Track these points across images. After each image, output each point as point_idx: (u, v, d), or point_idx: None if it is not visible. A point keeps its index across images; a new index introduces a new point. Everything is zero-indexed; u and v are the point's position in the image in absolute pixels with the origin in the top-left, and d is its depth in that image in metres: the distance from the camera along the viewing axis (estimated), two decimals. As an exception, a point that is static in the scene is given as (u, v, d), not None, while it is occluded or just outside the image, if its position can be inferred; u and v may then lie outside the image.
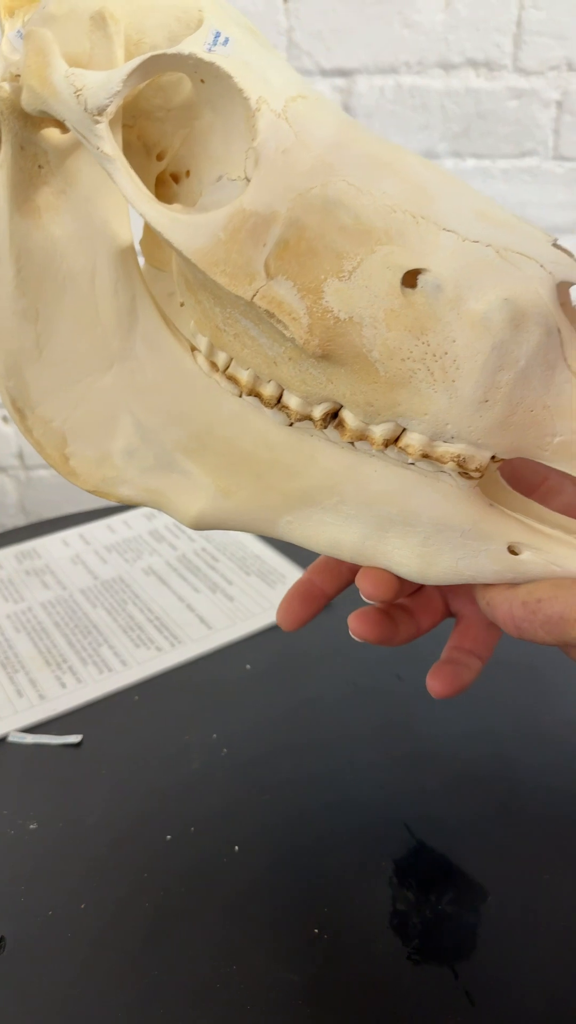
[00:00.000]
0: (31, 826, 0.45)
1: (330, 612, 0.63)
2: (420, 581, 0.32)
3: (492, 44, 0.89)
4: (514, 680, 0.54)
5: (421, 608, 0.40)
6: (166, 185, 0.34)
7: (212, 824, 0.45)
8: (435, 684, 0.38)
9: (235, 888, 0.42)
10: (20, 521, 0.99)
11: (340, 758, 0.50)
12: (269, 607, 0.65)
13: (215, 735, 0.51)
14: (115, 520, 0.80)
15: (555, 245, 0.29)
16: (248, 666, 0.58)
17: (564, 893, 0.41)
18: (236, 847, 0.44)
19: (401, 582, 0.34)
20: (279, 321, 0.28)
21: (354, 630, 0.37)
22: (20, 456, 0.96)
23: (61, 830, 0.45)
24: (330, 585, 0.40)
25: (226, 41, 0.29)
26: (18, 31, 0.32)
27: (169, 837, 0.44)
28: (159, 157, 0.33)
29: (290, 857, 0.43)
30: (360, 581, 0.34)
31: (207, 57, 0.28)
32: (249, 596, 0.66)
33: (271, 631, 0.62)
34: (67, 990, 0.37)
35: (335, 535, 0.32)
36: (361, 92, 0.88)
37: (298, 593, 0.40)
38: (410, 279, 0.28)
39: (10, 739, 0.52)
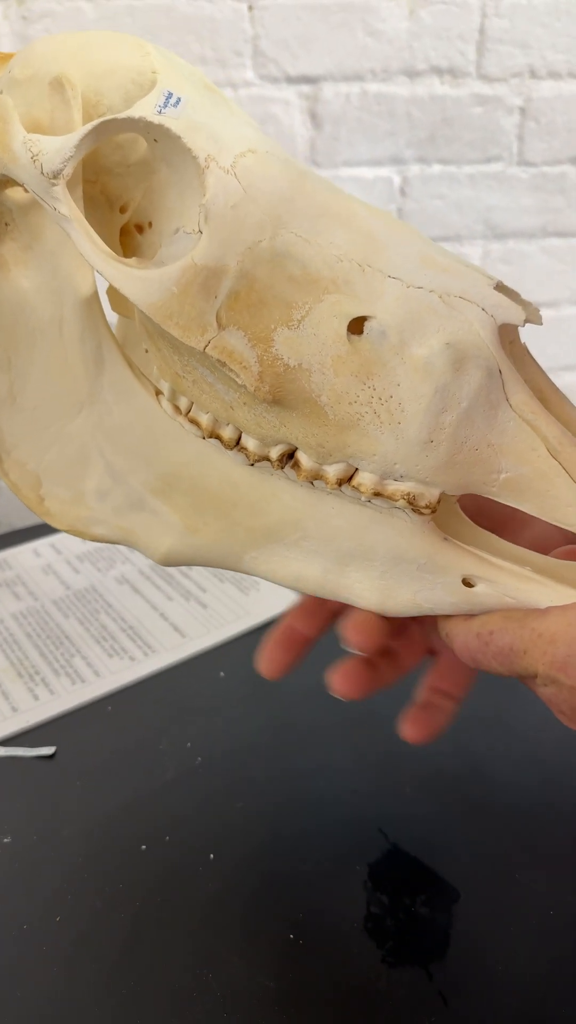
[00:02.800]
0: (4, 839, 0.46)
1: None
2: (381, 612, 0.33)
3: (456, 52, 0.90)
4: (484, 682, 0.55)
5: (404, 648, 0.40)
6: (130, 235, 0.35)
7: (187, 833, 0.46)
8: (410, 730, 0.38)
9: (210, 896, 0.42)
10: None
11: (313, 764, 0.51)
12: (243, 614, 0.65)
13: (189, 744, 0.52)
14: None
15: (497, 288, 0.30)
16: (222, 674, 0.59)
17: (536, 892, 0.42)
18: (211, 855, 0.45)
19: (387, 627, 0.35)
20: (231, 370, 0.29)
21: (337, 690, 0.37)
22: None
23: (35, 843, 0.46)
24: (311, 629, 0.40)
25: (177, 101, 0.30)
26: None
27: (144, 847, 0.45)
28: (122, 210, 0.35)
29: (265, 863, 0.44)
30: (345, 631, 0.34)
31: (156, 120, 0.29)
32: (223, 603, 0.67)
33: (245, 638, 0.62)
34: (42, 1004, 0.38)
35: (298, 570, 0.34)
36: (327, 99, 0.89)
37: (279, 640, 0.39)
38: (356, 326, 0.29)
39: None
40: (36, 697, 0.57)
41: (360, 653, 0.36)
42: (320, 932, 0.41)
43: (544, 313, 1.06)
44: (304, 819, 0.47)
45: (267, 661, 0.39)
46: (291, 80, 0.88)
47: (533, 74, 0.93)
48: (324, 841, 0.45)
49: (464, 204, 0.98)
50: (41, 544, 0.78)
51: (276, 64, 0.87)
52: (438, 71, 0.91)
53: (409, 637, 0.40)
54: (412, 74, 0.90)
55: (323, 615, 0.40)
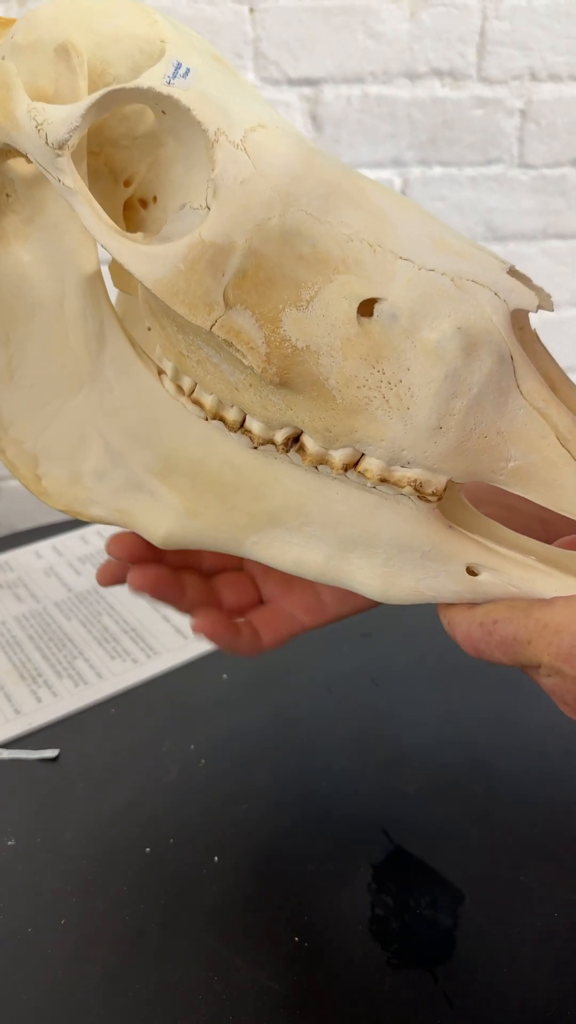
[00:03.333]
0: (8, 842, 0.46)
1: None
2: (383, 600, 0.32)
3: (457, 54, 0.90)
4: (488, 684, 0.55)
5: (225, 585, 0.41)
6: (134, 210, 0.34)
7: (191, 836, 0.46)
8: (199, 621, 0.39)
9: (214, 899, 0.42)
10: None
11: (318, 766, 0.50)
12: None
13: (192, 746, 0.52)
14: (88, 531, 0.80)
15: (510, 272, 0.30)
16: (224, 676, 0.59)
17: (540, 894, 0.42)
18: (216, 858, 0.44)
19: (176, 583, 0.38)
20: (237, 350, 0.29)
21: (194, 624, 0.39)
22: None
23: (39, 846, 0.46)
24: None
25: (186, 72, 0.29)
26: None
27: (148, 850, 0.45)
28: (126, 183, 0.34)
29: (269, 866, 0.44)
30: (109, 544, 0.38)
31: (165, 90, 0.28)
32: None
33: None
34: (47, 1006, 0.38)
35: (300, 555, 0.33)
36: (328, 101, 0.89)
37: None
38: (366, 308, 0.28)
39: None
40: (39, 699, 0.57)
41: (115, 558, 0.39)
42: (324, 934, 0.40)
43: (544, 315, 1.07)
44: (308, 821, 0.47)
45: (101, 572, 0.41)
46: (292, 82, 0.87)
47: (533, 76, 0.93)
48: (328, 842, 0.45)
49: (465, 206, 0.98)
50: (43, 546, 0.78)
51: (277, 66, 0.86)
52: (439, 73, 0.91)
53: (273, 614, 0.41)
54: (413, 76, 0.90)
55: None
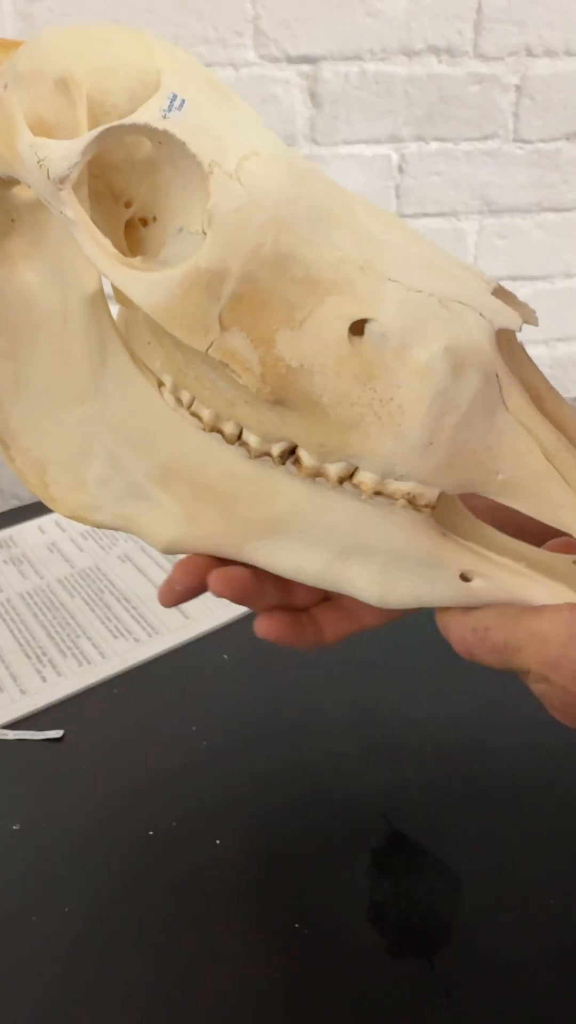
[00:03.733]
0: (14, 827, 0.47)
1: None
2: (381, 605, 0.34)
3: (453, 31, 0.90)
4: (486, 671, 0.56)
5: (327, 620, 0.40)
6: (135, 228, 0.35)
7: (193, 818, 0.47)
8: (263, 625, 0.39)
9: (217, 884, 0.43)
10: None
11: (319, 748, 0.51)
12: None
13: (194, 727, 0.53)
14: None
15: (495, 292, 0.31)
16: (225, 656, 0.59)
17: (540, 882, 0.43)
18: (217, 841, 0.45)
19: (257, 585, 0.37)
20: (233, 371, 0.30)
21: (258, 628, 0.38)
22: None
23: (44, 830, 0.47)
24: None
25: (181, 104, 0.30)
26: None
27: (151, 832, 0.46)
28: (127, 204, 0.35)
29: (271, 850, 0.45)
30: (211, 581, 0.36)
31: (160, 125, 0.29)
32: None
33: (249, 620, 0.62)
34: (50, 994, 0.39)
35: (299, 561, 0.34)
36: (327, 79, 0.90)
37: (175, 580, 0.39)
38: (358, 328, 0.30)
39: None
40: (44, 679, 0.57)
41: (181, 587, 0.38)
42: (325, 922, 0.41)
43: (539, 287, 1.07)
44: (308, 803, 0.48)
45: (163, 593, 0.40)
46: (291, 60, 0.88)
47: (529, 52, 0.93)
48: (328, 827, 0.46)
49: (461, 180, 0.98)
50: (45, 521, 0.78)
51: (276, 44, 0.87)
52: (435, 50, 0.91)
53: (339, 610, 0.41)
54: (410, 53, 0.91)
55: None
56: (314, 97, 0.90)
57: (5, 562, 0.72)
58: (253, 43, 0.86)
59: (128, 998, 0.39)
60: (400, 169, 0.96)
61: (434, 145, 0.96)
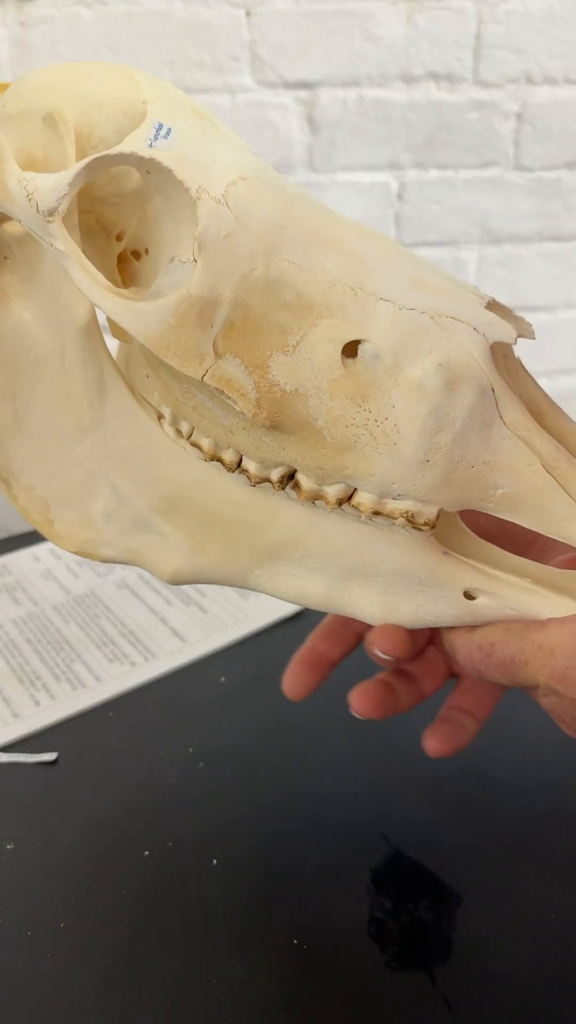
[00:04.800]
0: (7, 846, 0.46)
1: (300, 625, 0.63)
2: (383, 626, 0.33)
3: (453, 57, 0.90)
4: None
5: (423, 672, 0.40)
6: (127, 262, 0.35)
7: (190, 839, 0.46)
8: (431, 743, 0.39)
9: (214, 902, 0.43)
10: None
11: (316, 769, 0.51)
12: (243, 619, 0.65)
13: (191, 749, 0.52)
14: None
15: (488, 306, 0.30)
16: (223, 679, 0.59)
17: (537, 897, 0.42)
18: (214, 860, 0.45)
19: (412, 637, 0.34)
20: (228, 397, 0.29)
21: (357, 709, 0.38)
22: None
23: (38, 849, 0.46)
24: (335, 651, 0.41)
25: (167, 133, 0.30)
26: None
27: (147, 853, 0.45)
28: (119, 237, 0.35)
29: (268, 869, 0.44)
30: (375, 639, 0.33)
31: (147, 154, 0.29)
32: (223, 608, 0.66)
33: (245, 643, 0.62)
34: (46, 1010, 0.38)
35: (302, 586, 0.34)
36: (324, 104, 0.89)
37: (304, 662, 0.40)
38: (350, 349, 0.29)
39: None
40: (37, 703, 0.57)
41: (387, 658, 0.35)
42: (323, 937, 0.41)
43: (540, 317, 1.06)
44: (306, 824, 0.47)
45: (293, 682, 0.40)
46: (288, 85, 0.88)
47: (529, 80, 0.93)
48: (326, 845, 0.46)
49: (461, 209, 0.98)
50: (40, 549, 0.78)
51: (273, 69, 0.87)
52: (435, 77, 0.91)
53: (428, 660, 0.40)
54: (409, 80, 0.91)
55: (346, 636, 0.40)
56: (312, 123, 0.90)
57: None
58: (250, 69, 0.86)
59: (124, 1015, 0.38)
60: (399, 197, 0.96)
61: (434, 172, 0.96)
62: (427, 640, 0.40)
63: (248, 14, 0.84)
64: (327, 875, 0.44)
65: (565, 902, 0.42)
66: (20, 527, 0.92)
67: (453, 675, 0.41)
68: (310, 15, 0.85)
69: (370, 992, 0.38)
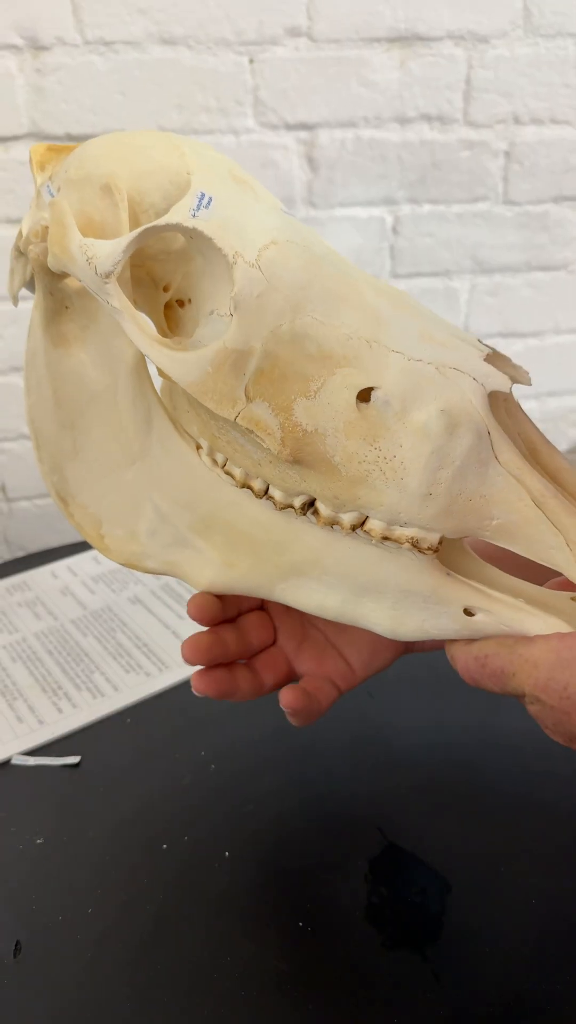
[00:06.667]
0: (38, 840, 0.50)
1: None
2: (393, 638, 0.36)
3: (444, 100, 0.93)
4: (473, 695, 0.57)
5: (264, 667, 0.44)
6: (173, 309, 0.39)
7: (204, 833, 0.50)
8: (287, 695, 0.42)
9: (227, 889, 0.46)
10: (3, 551, 1.03)
11: (318, 769, 0.54)
12: None
13: (203, 752, 0.56)
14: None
15: (488, 358, 0.34)
16: None
17: (518, 883, 0.46)
18: (226, 852, 0.48)
19: (223, 605, 0.42)
20: (257, 436, 0.33)
21: (195, 687, 0.41)
22: (2, 489, 1.00)
23: (66, 843, 0.49)
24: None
25: (208, 202, 0.34)
26: (47, 185, 0.38)
27: (165, 846, 0.49)
28: (165, 288, 0.39)
29: (275, 860, 0.48)
30: (188, 606, 0.41)
31: (190, 224, 0.33)
32: None
33: None
34: (78, 984, 0.42)
35: (320, 600, 0.37)
36: (323, 144, 0.92)
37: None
38: (364, 395, 0.33)
39: (14, 761, 0.56)
40: (60, 710, 0.60)
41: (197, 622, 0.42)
42: (325, 920, 0.44)
43: (529, 342, 1.10)
44: (310, 819, 0.50)
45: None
46: (289, 127, 0.91)
47: (517, 120, 0.96)
48: (328, 839, 0.49)
49: (453, 241, 1.01)
50: (58, 566, 0.80)
51: (275, 112, 0.90)
52: (427, 118, 0.94)
53: (269, 657, 0.44)
54: (403, 121, 0.94)
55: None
56: (311, 162, 0.93)
57: (20, 605, 0.74)
58: (253, 111, 0.90)
59: (147, 988, 0.41)
60: (394, 230, 0.99)
61: (427, 207, 0.98)
62: (239, 611, 0.44)
63: (251, 61, 0.88)
64: (328, 865, 0.47)
65: (543, 887, 0.45)
66: (37, 545, 0.96)
67: (298, 676, 0.45)
68: (309, 62, 0.89)
69: (367, 967, 0.42)
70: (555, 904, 0.45)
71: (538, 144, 0.98)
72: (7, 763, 0.56)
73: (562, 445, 1.12)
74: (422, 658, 0.39)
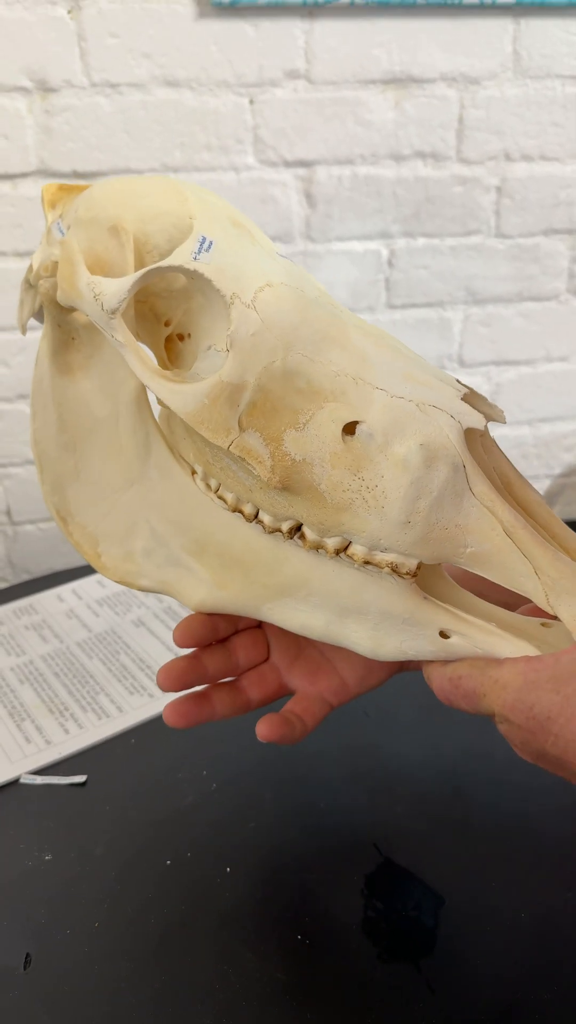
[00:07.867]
0: (46, 857, 0.51)
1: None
2: (374, 657, 0.38)
3: (438, 138, 0.96)
4: (464, 719, 0.57)
5: (252, 684, 0.45)
6: (173, 342, 0.41)
7: (206, 849, 0.51)
8: (262, 728, 0.43)
9: (228, 903, 0.47)
10: (7, 574, 1.05)
11: (316, 789, 0.55)
12: None
13: (205, 772, 0.57)
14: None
15: (465, 397, 0.36)
16: None
17: (510, 897, 0.47)
18: (228, 868, 0.49)
19: (213, 627, 0.43)
20: (249, 463, 0.35)
21: (165, 719, 0.43)
22: (8, 513, 1.02)
23: (73, 859, 0.51)
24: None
25: (209, 246, 0.36)
26: (57, 223, 0.40)
27: (168, 862, 0.50)
28: (167, 323, 0.41)
29: (275, 875, 0.49)
30: (175, 633, 0.42)
31: (191, 266, 0.35)
32: None
33: None
34: (86, 997, 0.43)
35: (305, 620, 0.39)
36: (321, 180, 0.95)
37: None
38: (350, 428, 0.35)
39: (22, 780, 0.57)
40: (66, 731, 0.61)
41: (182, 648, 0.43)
42: (323, 933, 0.45)
43: (520, 371, 1.14)
44: (308, 836, 0.52)
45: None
46: (288, 164, 0.94)
47: (508, 157, 0.99)
48: (325, 855, 0.50)
49: (447, 273, 1.03)
50: (64, 590, 0.81)
51: (274, 150, 0.93)
52: (421, 155, 0.97)
53: (259, 673, 0.45)
54: (398, 158, 0.97)
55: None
56: (309, 198, 0.96)
57: (27, 628, 0.75)
58: (253, 149, 0.92)
59: (152, 1000, 0.42)
60: (390, 263, 1.01)
61: (421, 241, 1.01)
62: (235, 630, 0.45)
63: (251, 102, 0.91)
64: (326, 880, 0.49)
65: (533, 902, 0.47)
66: (41, 568, 0.97)
67: (289, 692, 0.46)
68: (308, 102, 0.92)
69: (364, 979, 0.43)
70: (545, 918, 0.46)
71: (528, 180, 1.01)
72: (16, 782, 0.57)
73: (555, 470, 1.14)
74: (417, 677, 0.41)
